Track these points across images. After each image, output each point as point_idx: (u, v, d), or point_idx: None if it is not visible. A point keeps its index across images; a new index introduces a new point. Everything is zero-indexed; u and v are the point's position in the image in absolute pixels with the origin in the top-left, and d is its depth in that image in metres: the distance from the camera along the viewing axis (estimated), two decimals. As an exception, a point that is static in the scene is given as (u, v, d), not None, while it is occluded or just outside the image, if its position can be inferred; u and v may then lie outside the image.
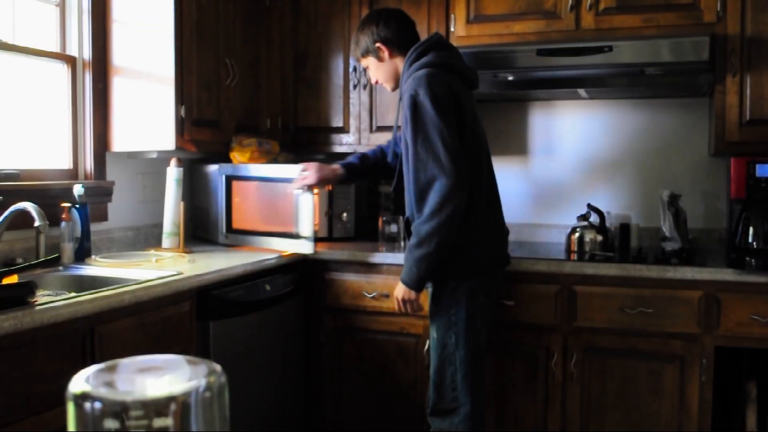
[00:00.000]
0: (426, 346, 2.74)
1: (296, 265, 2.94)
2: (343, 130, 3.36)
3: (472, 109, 2.30)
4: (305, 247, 2.85)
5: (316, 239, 3.14)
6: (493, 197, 2.36)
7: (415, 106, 2.16)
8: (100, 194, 2.88)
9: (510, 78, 2.95)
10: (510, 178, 3.40)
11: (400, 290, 2.32)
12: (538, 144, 3.40)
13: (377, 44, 2.40)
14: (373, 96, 3.30)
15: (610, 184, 3.30)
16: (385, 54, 2.41)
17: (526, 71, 2.89)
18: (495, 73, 2.89)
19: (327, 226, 3.28)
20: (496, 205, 2.37)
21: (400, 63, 2.39)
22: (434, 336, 2.28)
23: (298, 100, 3.44)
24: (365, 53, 2.45)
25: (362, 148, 3.31)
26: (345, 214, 3.30)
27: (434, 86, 2.18)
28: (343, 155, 3.40)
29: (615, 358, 2.65)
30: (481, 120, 2.38)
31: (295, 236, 2.86)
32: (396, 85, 2.45)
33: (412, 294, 2.30)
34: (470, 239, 2.24)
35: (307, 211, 2.83)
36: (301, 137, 3.45)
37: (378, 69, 2.44)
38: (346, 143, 3.37)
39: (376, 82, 2.49)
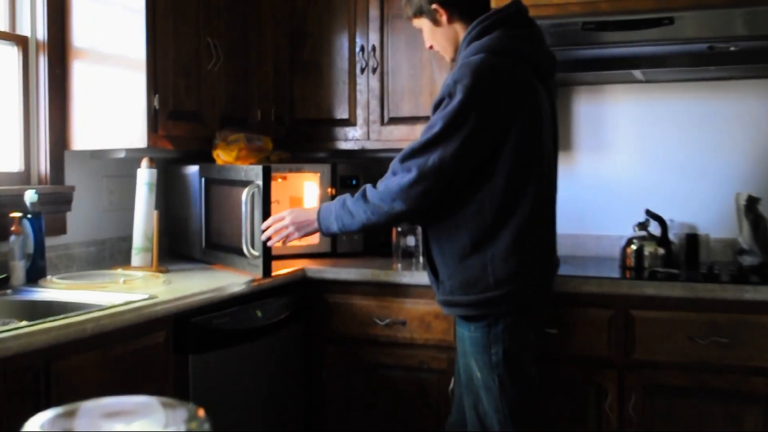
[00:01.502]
0: (451, 385, 2.74)
1: (293, 286, 2.96)
2: (349, 122, 3.38)
3: (537, 110, 2.24)
4: (252, 269, 2.81)
5: (318, 255, 3.23)
6: (547, 221, 2.36)
7: (448, 96, 2.17)
8: (56, 202, 2.88)
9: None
10: (570, 175, 3.38)
11: (300, 217, 2.50)
12: (584, 137, 3.42)
13: (434, 5, 2.35)
14: (384, 81, 3.32)
15: (673, 186, 3.30)
16: (444, 18, 2.36)
17: (570, 49, 2.90)
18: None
19: (330, 239, 3.29)
20: (549, 231, 2.37)
21: (461, 31, 2.34)
22: (478, 377, 2.28)
23: (295, 87, 3.46)
24: (418, 12, 2.40)
25: (372, 144, 3.34)
26: None
27: (484, 83, 2.15)
28: (350, 153, 3.49)
29: (683, 399, 2.64)
30: (549, 124, 2.33)
31: (239, 253, 2.83)
32: (455, 56, 2.39)
33: (308, 229, 2.48)
34: (512, 270, 2.23)
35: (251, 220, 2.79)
36: (299, 131, 3.46)
37: (434, 34, 2.40)
38: (352, 138, 3.39)
39: (431, 48, 2.46)
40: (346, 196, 2.37)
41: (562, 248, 3.25)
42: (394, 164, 2.25)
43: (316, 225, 2.46)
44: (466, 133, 2.15)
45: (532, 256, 2.26)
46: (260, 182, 2.75)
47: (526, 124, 2.21)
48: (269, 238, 2.61)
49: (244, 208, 2.76)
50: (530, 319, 2.32)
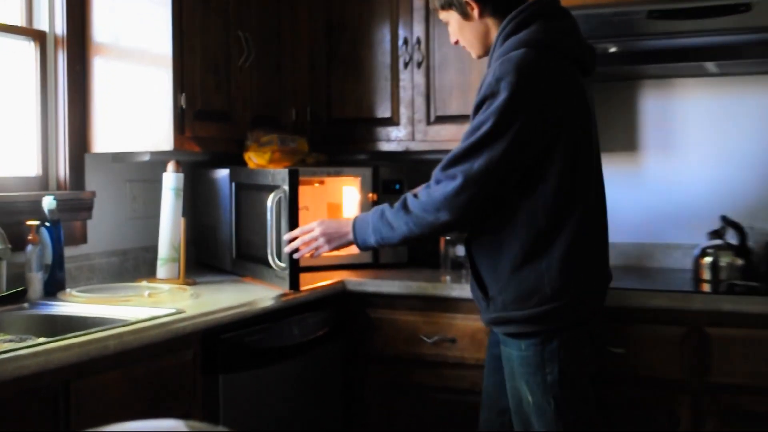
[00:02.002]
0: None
1: (332, 300, 2.96)
2: (392, 121, 3.38)
3: (584, 107, 2.26)
4: (280, 282, 2.79)
5: (358, 266, 3.25)
6: (601, 227, 2.36)
7: (491, 96, 2.16)
8: (76, 209, 2.88)
9: (613, 50, 2.93)
10: (614, 182, 3.29)
11: (332, 228, 2.48)
12: (652, 136, 3.38)
13: None
14: (430, 76, 3.30)
15: (752, 190, 3.25)
16: (475, 12, 2.34)
17: (635, 40, 2.88)
18: (591, 44, 2.87)
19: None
20: (603, 239, 2.37)
21: (493, 27, 2.34)
22: (529, 400, 2.27)
23: (332, 83, 3.46)
24: (447, 5, 2.38)
25: (417, 146, 3.33)
26: None
27: (529, 79, 2.15)
28: (393, 155, 3.48)
29: (765, 426, 2.59)
30: (596, 122, 2.37)
31: (267, 265, 2.81)
32: (485, 52, 2.40)
33: (340, 242, 2.46)
34: (570, 279, 2.22)
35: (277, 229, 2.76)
36: (337, 132, 3.47)
37: (462, 28, 2.40)
38: (395, 139, 3.38)
39: (456, 43, 2.46)
40: (384, 206, 2.36)
41: (627, 258, 3.33)
42: (436, 173, 2.24)
43: (350, 237, 2.44)
44: (514, 134, 2.14)
45: (589, 263, 2.27)
46: (287, 187, 2.73)
47: (575, 121, 2.22)
48: (296, 250, 2.58)
49: (270, 216, 2.74)
50: (587, 335, 2.30)
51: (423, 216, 2.24)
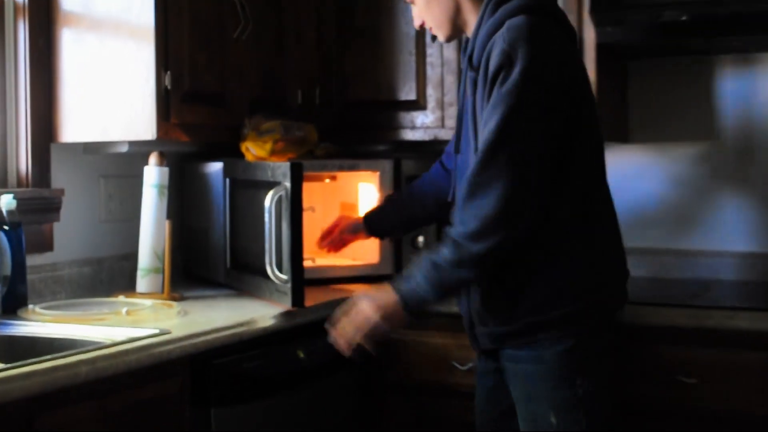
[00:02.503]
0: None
1: None
2: (417, 104, 3.37)
3: (585, 79, 2.37)
4: (280, 297, 2.79)
5: (376, 278, 3.21)
6: (614, 216, 2.43)
7: (508, 67, 2.20)
8: (41, 209, 2.87)
9: (683, 18, 2.93)
10: (684, 176, 3.34)
11: (381, 300, 2.34)
12: (732, 122, 3.37)
13: None
14: None
15: None
16: None
17: (709, 6, 2.88)
18: (655, 12, 2.91)
19: (392, 256, 3.30)
20: (616, 227, 2.44)
21: (466, 3, 2.43)
22: (552, 422, 2.29)
23: (346, 59, 3.45)
24: None
25: (447, 134, 3.28)
26: (422, 239, 3.29)
27: (545, 47, 2.23)
28: (418, 146, 3.48)
29: None
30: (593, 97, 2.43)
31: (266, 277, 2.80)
32: (455, 33, 2.50)
33: (395, 317, 2.33)
34: (590, 278, 2.31)
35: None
36: (352, 117, 3.46)
37: (429, 5, 2.47)
38: (421, 126, 3.36)
39: (421, 27, 2.54)
40: (424, 256, 2.33)
41: (700, 270, 3.33)
42: (471, 177, 2.24)
43: (400, 306, 2.33)
44: (546, 110, 2.21)
45: (617, 259, 2.39)
46: (288, 183, 2.73)
47: (586, 98, 2.32)
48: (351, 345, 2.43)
49: (268, 217, 2.74)
50: (615, 341, 2.36)
51: (480, 244, 2.21)
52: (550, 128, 2.21)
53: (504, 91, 2.19)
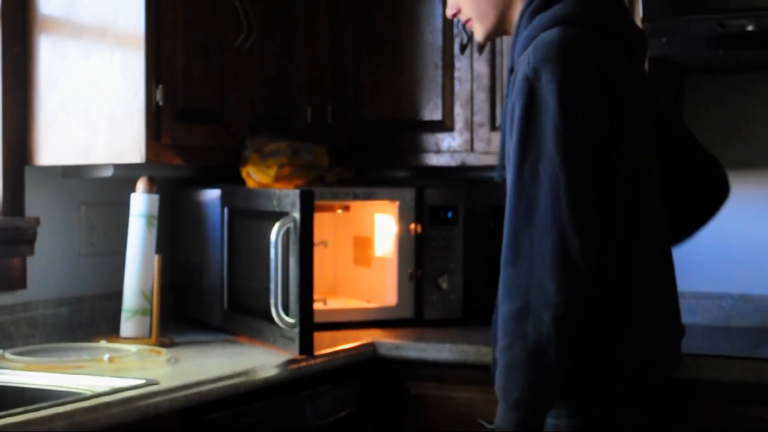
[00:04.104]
0: None
1: (358, 368, 2.97)
2: (443, 125, 3.35)
3: (635, 100, 2.25)
4: (286, 344, 2.78)
5: (394, 322, 3.28)
6: (664, 266, 2.34)
7: (530, 99, 2.13)
8: (13, 241, 2.87)
9: (750, 28, 2.90)
10: (756, 209, 3.29)
11: None
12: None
13: None
14: (496, 64, 3.28)
15: None
16: None
17: None
18: (718, 21, 2.91)
19: (413, 299, 3.32)
20: (668, 280, 2.36)
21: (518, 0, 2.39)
22: None
23: (362, 72, 3.46)
24: None
25: (477, 159, 3.31)
26: (446, 280, 3.29)
27: (574, 65, 2.13)
28: (444, 172, 3.52)
29: None
30: (647, 119, 2.32)
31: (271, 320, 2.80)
32: (494, 31, 2.41)
33: None
34: (614, 338, 2.20)
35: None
36: (368, 139, 3.47)
37: None
38: (447, 149, 3.33)
39: (455, 15, 2.44)
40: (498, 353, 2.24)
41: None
42: (509, 227, 2.12)
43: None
44: (585, 130, 2.12)
45: (660, 318, 2.29)
46: (297, 214, 2.71)
47: (630, 121, 2.20)
48: None
49: (274, 253, 2.72)
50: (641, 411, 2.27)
51: (545, 309, 2.08)
52: (583, 168, 2.11)
53: (533, 130, 2.11)
